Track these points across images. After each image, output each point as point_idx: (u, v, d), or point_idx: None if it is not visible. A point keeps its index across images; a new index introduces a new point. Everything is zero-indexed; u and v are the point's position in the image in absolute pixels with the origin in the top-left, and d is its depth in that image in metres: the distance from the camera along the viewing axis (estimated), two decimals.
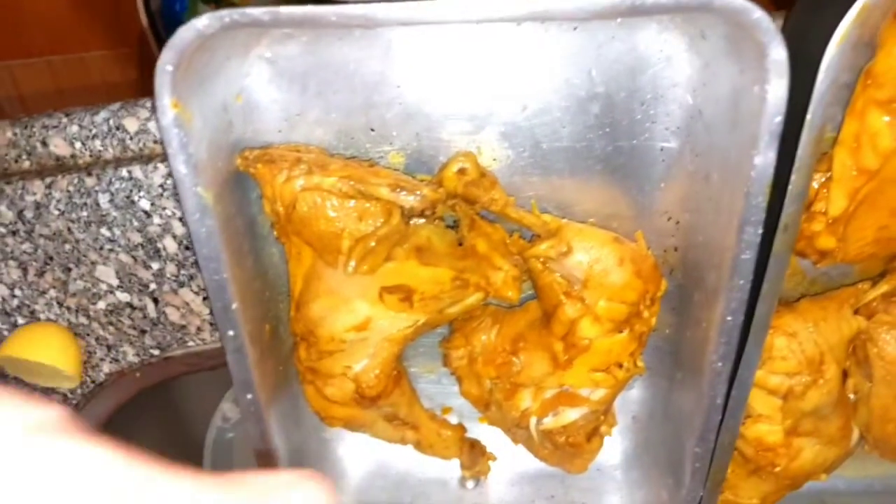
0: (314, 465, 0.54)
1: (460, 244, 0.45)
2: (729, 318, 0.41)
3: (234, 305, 0.42)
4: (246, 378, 0.45)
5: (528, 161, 0.46)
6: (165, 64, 0.35)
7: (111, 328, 0.60)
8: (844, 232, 0.43)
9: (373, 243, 0.41)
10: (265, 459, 0.49)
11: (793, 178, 0.36)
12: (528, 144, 0.45)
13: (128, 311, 0.58)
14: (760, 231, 0.38)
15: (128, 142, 0.53)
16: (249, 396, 0.46)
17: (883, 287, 0.48)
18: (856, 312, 0.49)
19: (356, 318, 0.44)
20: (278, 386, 0.51)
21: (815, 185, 0.44)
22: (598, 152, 0.45)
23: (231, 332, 0.43)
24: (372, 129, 0.44)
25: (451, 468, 0.58)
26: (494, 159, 0.46)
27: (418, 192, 0.42)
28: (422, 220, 0.43)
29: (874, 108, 0.40)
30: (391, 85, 0.43)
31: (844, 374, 0.51)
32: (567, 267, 0.45)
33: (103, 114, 0.53)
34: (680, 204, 0.46)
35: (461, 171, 0.43)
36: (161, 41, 0.90)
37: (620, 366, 0.47)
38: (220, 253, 0.40)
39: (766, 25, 0.32)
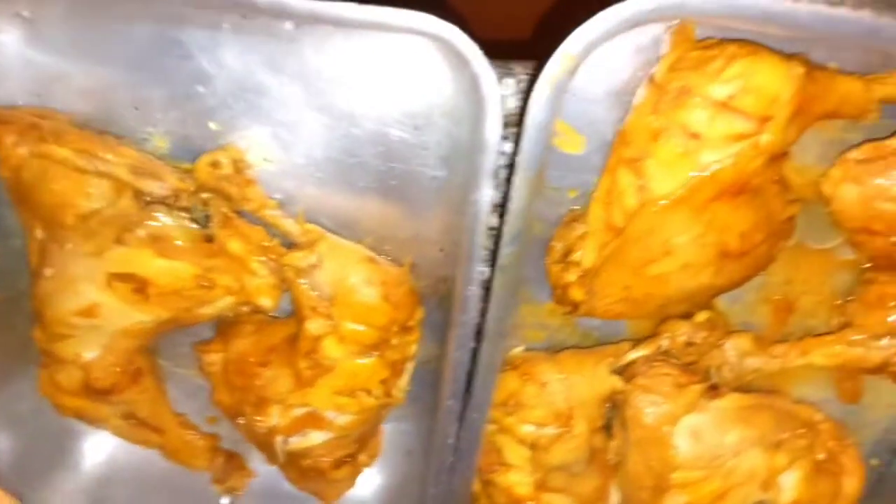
0: (47, 453, 0.50)
1: (209, 241, 0.43)
2: (456, 355, 0.40)
3: None
4: None
5: (301, 168, 0.45)
6: None
7: None
8: (592, 286, 0.43)
9: (97, 223, 0.39)
10: None
11: (507, 220, 0.35)
12: (302, 150, 0.44)
13: None
14: (483, 268, 0.37)
15: None
16: None
17: (642, 350, 0.47)
18: (617, 372, 0.49)
19: (81, 301, 0.41)
20: (14, 363, 0.47)
21: (577, 234, 0.44)
22: (372, 170, 0.44)
23: None
24: (136, 108, 0.43)
25: (208, 479, 0.55)
26: (266, 160, 0.45)
27: (161, 178, 0.40)
28: (163, 209, 0.41)
29: (623, 167, 0.40)
30: (158, 64, 0.41)
31: (607, 432, 0.51)
32: (317, 280, 0.43)
33: None
34: (446, 235, 0.46)
35: (214, 165, 0.41)
36: None
37: (369, 392, 0.46)
38: None
39: (477, 60, 0.32)
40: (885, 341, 0.45)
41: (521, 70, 0.48)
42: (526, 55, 0.49)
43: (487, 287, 0.43)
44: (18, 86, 0.41)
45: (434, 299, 0.48)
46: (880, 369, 0.46)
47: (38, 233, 0.40)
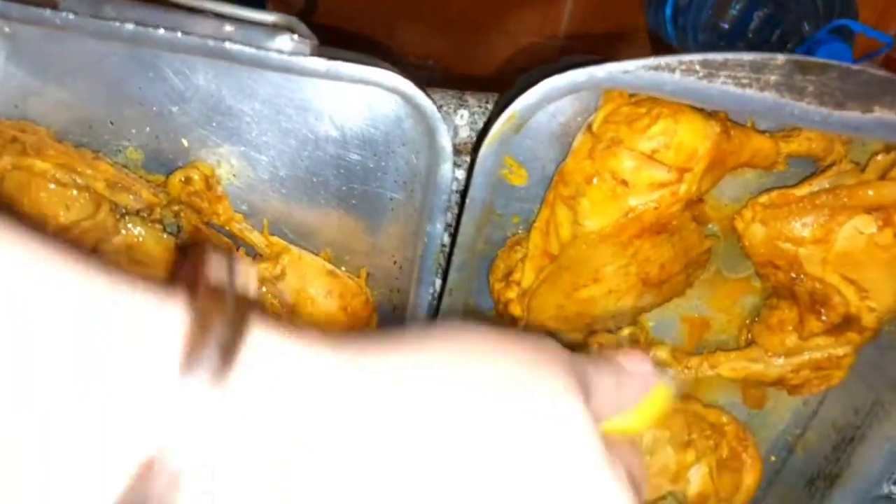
0: None
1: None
2: None
3: None
4: None
5: (267, 184, 0.48)
6: None
7: None
8: (529, 304, 0.48)
9: (76, 233, 0.42)
10: None
11: (455, 251, 0.40)
12: (268, 169, 0.48)
13: None
14: (432, 291, 0.42)
15: None
16: None
17: None
18: None
19: None
20: None
21: (518, 257, 0.49)
22: (333, 189, 0.48)
23: None
24: (111, 123, 0.45)
25: None
26: (234, 175, 0.48)
27: (136, 193, 0.43)
28: (137, 220, 0.44)
29: (560, 202, 0.45)
30: (133, 84, 0.44)
31: None
32: (279, 290, 0.47)
33: None
34: (401, 251, 0.50)
35: (186, 181, 0.44)
36: None
37: None
38: None
39: (433, 113, 0.36)
40: (781, 360, 0.51)
41: (475, 102, 0.52)
42: (481, 86, 0.53)
43: (439, 296, 0.48)
44: (2, 98, 0.43)
45: (389, 307, 0.52)
46: (777, 383, 0.53)
47: None
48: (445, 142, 0.37)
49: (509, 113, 0.36)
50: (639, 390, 0.28)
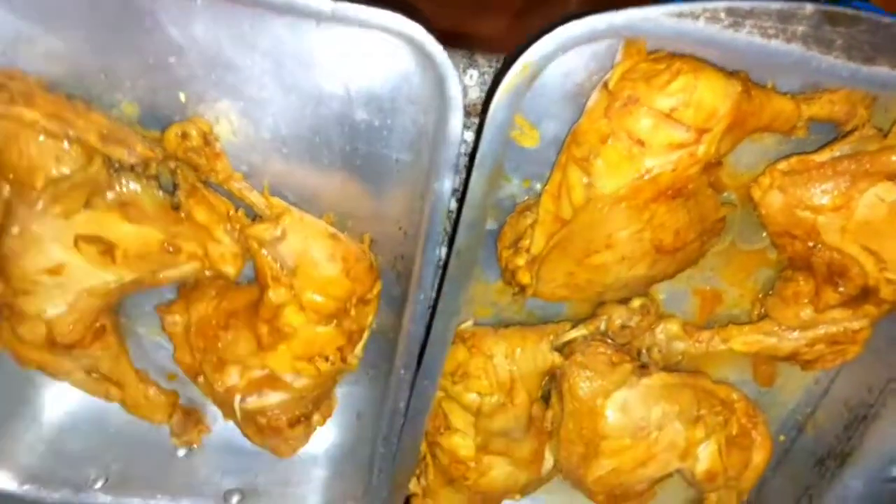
0: (7, 403, 0.52)
1: (176, 209, 0.45)
2: (411, 329, 0.43)
3: None
4: None
5: (268, 143, 0.46)
6: None
7: None
8: (539, 270, 0.46)
9: (67, 187, 0.40)
10: None
11: (464, 209, 0.38)
12: (269, 126, 0.46)
13: None
14: (439, 251, 0.40)
15: None
16: None
17: (581, 330, 0.51)
18: (557, 349, 0.53)
19: (48, 260, 0.43)
20: None
21: (527, 222, 0.47)
22: (337, 149, 0.46)
23: None
24: (104, 75, 0.43)
25: (165, 432, 0.57)
26: (233, 133, 0.46)
27: (130, 146, 0.41)
28: (132, 176, 0.42)
29: (573, 164, 0.43)
30: (128, 33, 0.42)
31: (545, 402, 0.55)
32: (280, 252, 0.45)
33: None
34: (407, 216, 0.48)
35: (184, 136, 0.42)
36: None
37: (326, 358, 0.49)
38: None
39: (443, 62, 0.34)
40: (795, 334, 0.49)
41: (485, 62, 0.50)
42: (493, 47, 0.51)
43: (443, 266, 0.46)
44: None
45: (392, 273, 0.50)
46: (791, 357, 0.51)
47: (5, 191, 0.41)
48: (455, 91, 0.35)
49: (523, 62, 0.34)
50: None
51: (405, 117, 0.45)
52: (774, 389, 0.58)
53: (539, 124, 0.45)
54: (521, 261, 0.47)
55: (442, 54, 0.34)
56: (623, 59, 0.40)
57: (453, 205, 0.47)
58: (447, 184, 0.38)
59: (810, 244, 0.46)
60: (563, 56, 0.35)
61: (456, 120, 0.36)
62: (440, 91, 0.36)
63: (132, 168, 0.41)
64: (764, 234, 0.49)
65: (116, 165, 0.41)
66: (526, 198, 0.47)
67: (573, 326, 0.52)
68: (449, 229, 0.47)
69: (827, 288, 0.47)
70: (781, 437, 0.60)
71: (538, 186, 0.47)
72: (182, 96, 0.45)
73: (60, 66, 0.43)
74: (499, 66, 0.47)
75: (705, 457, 0.54)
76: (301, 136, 0.46)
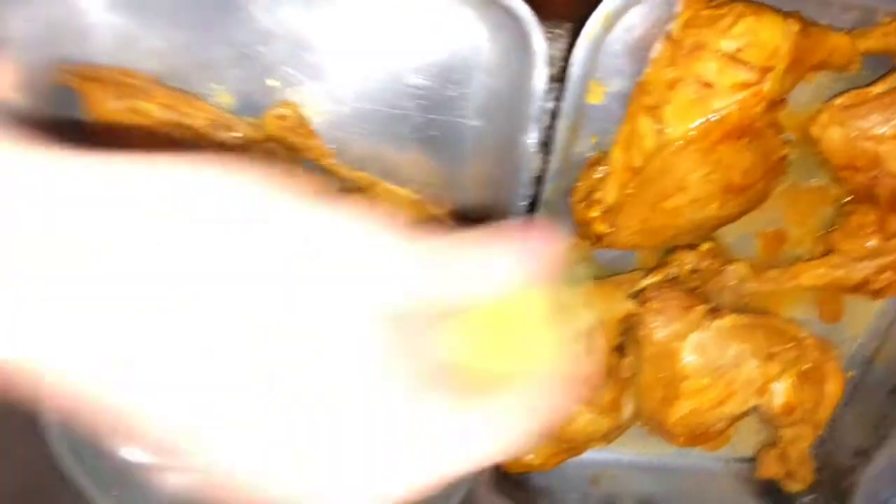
0: None
1: None
2: None
3: None
4: None
5: (349, 119, 0.50)
6: None
7: None
8: (615, 220, 0.49)
9: None
10: None
11: (551, 158, 0.41)
12: (351, 104, 0.49)
13: None
14: (526, 203, 0.43)
15: None
16: None
17: (655, 277, 0.54)
18: (631, 298, 0.55)
19: None
20: None
21: (598, 176, 0.50)
22: (413, 121, 0.50)
23: None
24: (202, 67, 0.47)
25: None
26: (318, 113, 0.49)
27: (236, 130, 0.45)
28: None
29: (643, 113, 0.46)
30: (223, 26, 0.46)
31: (620, 351, 0.58)
32: None
33: None
34: (484, 181, 0.51)
35: (281, 117, 0.46)
36: None
37: None
38: None
39: (528, 18, 0.37)
40: (863, 263, 0.52)
41: (545, 28, 0.53)
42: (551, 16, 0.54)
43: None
44: (100, 47, 0.45)
45: None
46: (860, 287, 0.53)
47: None
48: (540, 46, 0.38)
49: (604, 11, 0.37)
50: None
51: (477, 84, 0.48)
52: (841, 325, 0.60)
53: (603, 81, 0.48)
54: (595, 213, 0.49)
55: (525, 9, 0.37)
56: (685, 9, 0.42)
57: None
58: (532, 136, 0.41)
59: (873, 174, 0.48)
60: (635, 7, 0.38)
61: (540, 73, 0.39)
62: (524, 46, 0.39)
63: (235, 151, 0.45)
64: (823, 172, 0.52)
65: (225, 149, 0.45)
66: (594, 153, 0.50)
67: (645, 275, 0.54)
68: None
69: (892, 215, 0.49)
70: (850, 373, 0.62)
71: (605, 141, 0.50)
72: (270, 82, 0.48)
73: (163, 61, 0.47)
74: (560, 32, 0.50)
75: (781, 391, 0.56)
76: (380, 110, 0.49)
